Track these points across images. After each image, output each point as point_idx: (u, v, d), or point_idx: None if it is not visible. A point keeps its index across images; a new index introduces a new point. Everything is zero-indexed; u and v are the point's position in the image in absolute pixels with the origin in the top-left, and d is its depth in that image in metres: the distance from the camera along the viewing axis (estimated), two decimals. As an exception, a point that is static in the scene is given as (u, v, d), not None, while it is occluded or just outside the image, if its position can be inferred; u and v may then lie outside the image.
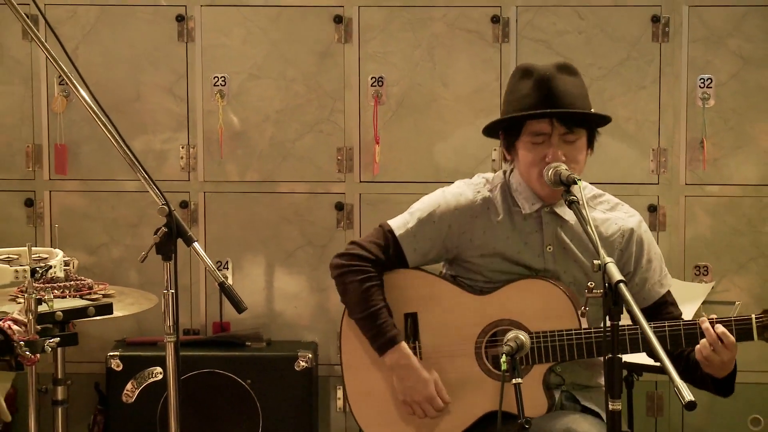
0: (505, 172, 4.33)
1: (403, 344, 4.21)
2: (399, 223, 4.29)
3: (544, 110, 4.09)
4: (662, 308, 4.25)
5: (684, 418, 5.41)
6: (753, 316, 3.95)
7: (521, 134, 4.17)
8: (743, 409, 5.41)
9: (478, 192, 4.30)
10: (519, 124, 4.17)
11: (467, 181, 4.33)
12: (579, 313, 4.17)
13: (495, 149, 4.61)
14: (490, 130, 4.31)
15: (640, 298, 4.13)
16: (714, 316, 3.99)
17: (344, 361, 4.44)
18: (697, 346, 3.94)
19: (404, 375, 4.25)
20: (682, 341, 3.99)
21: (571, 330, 4.13)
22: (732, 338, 3.90)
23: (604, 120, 4.20)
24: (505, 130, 4.23)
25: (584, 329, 4.12)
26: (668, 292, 4.31)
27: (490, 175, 4.33)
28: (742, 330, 3.96)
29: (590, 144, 4.18)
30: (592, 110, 4.18)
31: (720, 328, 3.91)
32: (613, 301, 3.53)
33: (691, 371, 4.08)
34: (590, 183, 4.35)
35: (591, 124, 4.20)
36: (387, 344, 4.23)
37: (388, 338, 4.23)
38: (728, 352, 3.91)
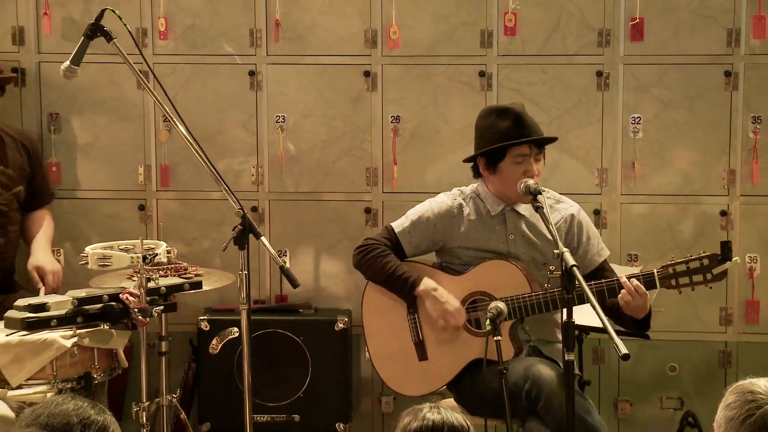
0: (473, 186, 4.45)
1: (427, 278, 4.31)
2: (398, 224, 4.49)
3: (531, 138, 4.28)
4: (600, 273, 4.42)
5: (620, 366, 5.38)
6: (654, 270, 4.13)
7: (506, 157, 4.30)
8: (663, 359, 5.38)
9: (455, 200, 4.47)
10: (503, 150, 4.30)
11: (447, 193, 4.56)
12: (535, 283, 4.23)
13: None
14: (470, 159, 4.46)
15: (583, 265, 4.24)
16: (632, 273, 4.18)
17: (366, 332, 4.54)
18: (619, 295, 4.10)
19: (437, 296, 4.34)
20: (605, 294, 4.14)
21: (526, 294, 4.22)
22: (642, 288, 4.08)
23: (554, 140, 4.41)
24: (488, 156, 4.35)
25: (535, 293, 4.21)
26: (605, 260, 4.45)
27: (463, 187, 4.50)
28: (648, 281, 4.13)
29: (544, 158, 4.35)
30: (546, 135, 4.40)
31: (634, 281, 4.09)
32: (568, 280, 3.57)
33: (619, 317, 4.24)
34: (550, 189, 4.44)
35: (549, 143, 4.40)
36: (414, 283, 4.37)
37: (413, 280, 4.37)
38: (640, 297, 4.07)
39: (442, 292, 4.31)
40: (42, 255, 5.01)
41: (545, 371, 4.09)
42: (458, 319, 4.30)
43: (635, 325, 4.22)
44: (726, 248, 4.07)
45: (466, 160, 4.48)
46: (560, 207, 4.43)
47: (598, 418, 4.09)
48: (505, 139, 4.30)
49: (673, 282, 4.11)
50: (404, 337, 4.43)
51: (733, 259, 4.08)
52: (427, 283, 4.33)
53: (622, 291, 4.08)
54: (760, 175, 5.27)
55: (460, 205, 4.43)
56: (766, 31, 5.20)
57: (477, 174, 4.46)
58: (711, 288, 4.17)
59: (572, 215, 4.41)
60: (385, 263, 4.38)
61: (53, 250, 5.24)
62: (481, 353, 4.06)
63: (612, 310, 4.21)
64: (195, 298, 5.08)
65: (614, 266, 4.83)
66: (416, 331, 4.41)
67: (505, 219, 4.39)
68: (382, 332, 4.48)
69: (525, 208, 4.37)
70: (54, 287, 4.92)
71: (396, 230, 4.45)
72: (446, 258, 4.46)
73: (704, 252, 4.12)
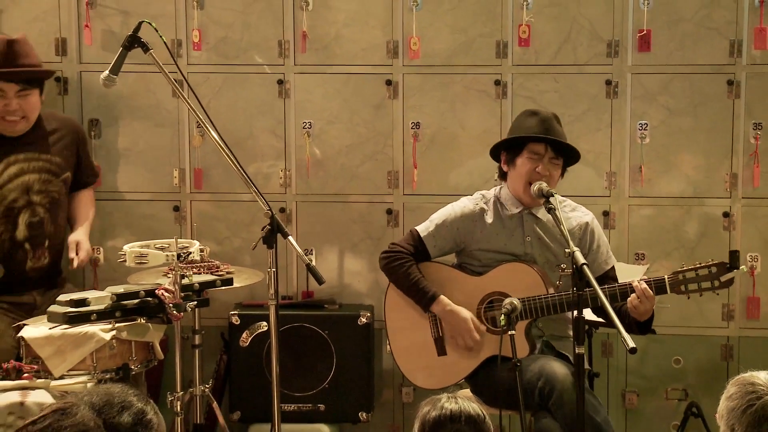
0: (497, 188, 4.46)
1: (442, 297, 4.37)
2: (423, 228, 4.49)
3: (546, 136, 4.25)
4: (605, 280, 4.41)
5: (627, 359, 5.36)
6: (665, 276, 4.17)
7: (523, 151, 4.33)
8: (668, 352, 5.37)
9: (476, 204, 4.47)
10: (522, 144, 4.31)
11: (469, 197, 4.53)
12: (550, 285, 4.24)
13: (495, 178, 4.62)
14: (497, 149, 4.46)
15: (590, 271, 4.21)
16: (644, 278, 4.19)
17: (388, 327, 4.55)
18: (629, 299, 4.12)
19: (449, 318, 4.37)
20: (618, 297, 4.15)
21: (541, 295, 4.21)
22: (651, 292, 4.09)
23: (575, 158, 4.37)
24: (508, 150, 4.37)
25: (550, 294, 4.22)
26: (612, 268, 4.46)
27: (484, 191, 4.50)
28: (659, 286, 4.15)
29: (563, 172, 4.34)
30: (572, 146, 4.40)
31: (643, 284, 4.10)
32: (578, 277, 3.57)
33: (622, 318, 4.21)
34: (564, 195, 4.43)
35: (567, 159, 4.36)
36: (430, 300, 4.36)
37: (429, 296, 4.36)
38: (648, 302, 4.09)
39: (455, 313, 4.34)
40: (82, 233, 5.01)
41: (559, 369, 4.11)
42: (474, 336, 4.32)
43: (638, 328, 4.23)
44: (734, 257, 4.07)
45: (492, 153, 4.51)
46: (575, 215, 4.45)
47: (604, 417, 4.12)
48: (525, 133, 4.34)
49: (683, 288, 4.12)
50: (424, 333, 4.44)
51: (741, 268, 4.09)
52: (442, 303, 4.35)
53: (632, 295, 4.09)
54: (760, 179, 5.25)
55: (482, 210, 4.45)
56: (767, 42, 5.18)
57: (501, 174, 4.49)
58: (718, 294, 4.19)
59: (587, 223, 4.43)
60: (407, 273, 4.41)
61: (93, 249, 5.27)
62: (497, 350, 4.07)
63: (616, 312, 4.21)
64: (226, 294, 5.09)
65: (622, 265, 4.83)
66: (436, 327, 4.43)
67: (523, 222, 4.40)
68: (404, 328, 4.49)
69: (542, 213, 4.38)
70: (82, 261, 4.92)
71: (421, 234, 4.48)
72: (466, 259, 4.48)
73: (713, 260, 4.13)
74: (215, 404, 4.72)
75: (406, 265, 4.41)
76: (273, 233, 4.02)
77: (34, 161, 4.90)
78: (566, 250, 3.65)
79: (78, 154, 5.09)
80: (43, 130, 4.97)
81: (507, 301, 3.92)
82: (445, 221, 4.47)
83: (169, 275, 4.37)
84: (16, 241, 4.85)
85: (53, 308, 4.23)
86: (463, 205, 4.50)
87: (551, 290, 4.23)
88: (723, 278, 4.11)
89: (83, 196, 5.17)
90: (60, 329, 4.14)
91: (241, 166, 4.09)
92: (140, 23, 4.21)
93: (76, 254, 4.87)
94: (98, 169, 5.37)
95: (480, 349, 4.35)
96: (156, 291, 4.24)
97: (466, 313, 4.33)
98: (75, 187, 5.12)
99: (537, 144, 4.33)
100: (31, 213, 4.87)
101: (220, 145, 4.09)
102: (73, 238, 4.96)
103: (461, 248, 4.48)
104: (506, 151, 4.44)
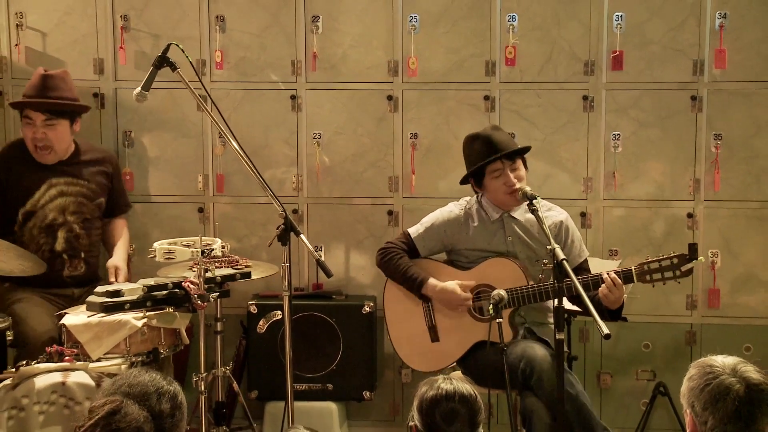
0: (477, 195, 4.46)
1: (431, 279, 4.38)
2: (414, 230, 4.51)
3: (495, 155, 4.27)
4: (580, 271, 4.39)
5: (602, 344, 5.37)
6: (632, 267, 4.14)
7: (485, 175, 4.33)
8: (638, 338, 5.37)
9: (462, 209, 4.47)
10: (482, 170, 4.32)
11: (455, 203, 4.55)
12: (531, 278, 4.24)
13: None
14: (464, 181, 4.49)
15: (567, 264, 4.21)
16: (614, 269, 4.17)
17: (387, 319, 4.55)
18: (600, 288, 4.12)
19: (440, 296, 4.38)
20: (590, 287, 4.13)
21: (524, 287, 4.22)
22: (620, 281, 4.09)
23: (527, 149, 4.39)
24: (474, 178, 4.39)
25: (532, 285, 4.23)
26: (585, 260, 4.46)
27: (468, 198, 4.51)
28: (626, 276, 4.14)
29: (525, 165, 4.35)
30: (519, 146, 4.41)
31: (612, 274, 4.09)
32: (558, 271, 3.57)
33: (596, 306, 4.23)
34: (546, 198, 4.43)
35: (522, 154, 4.36)
36: (420, 285, 4.37)
37: (419, 281, 4.37)
38: (618, 290, 4.08)
39: (443, 289, 4.34)
40: (120, 259, 5.02)
41: (539, 352, 4.12)
42: (463, 297, 4.31)
43: (609, 315, 4.24)
44: (693, 249, 4.08)
45: (462, 182, 4.52)
46: (551, 214, 4.45)
47: (580, 389, 4.12)
48: (478, 160, 4.35)
49: (648, 277, 4.12)
50: (419, 322, 4.45)
51: (699, 259, 4.09)
52: (431, 285, 4.36)
53: (602, 285, 4.10)
54: (720, 184, 5.26)
55: (467, 214, 4.45)
56: (726, 62, 5.19)
57: (476, 190, 4.50)
58: (680, 283, 4.19)
59: (561, 221, 4.44)
60: (398, 264, 4.42)
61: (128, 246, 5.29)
62: (484, 336, 4.08)
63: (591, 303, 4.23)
64: (245, 285, 5.10)
65: (597, 260, 4.83)
66: (429, 316, 4.43)
67: (504, 224, 4.40)
68: (401, 318, 4.50)
69: (519, 214, 4.39)
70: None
71: (412, 236, 4.49)
72: (455, 257, 4.48)
73: (674, 252, 4.14)
74: (235, 384, 4.73)
75: (396, 258, 4.43)
76: (287, 232, 4.03)
77: (73, 185, 4.93)
78: (548, 247, 3.66)
79: (112, 183, 5.13)
80: (82, 158, 5.01)
81: (495, 292, 3.94)
82: (434, 225, 4.48)
83: (194, 269, 4.38)
84: (55, 252, 4.89)
85: (91, 298, 4.25)
86: (450, 210, 4.51)
87: (531, 282, 4.25)
88: (683, 268, 4.12)
89: (117, 224, 5.19)
90: (97, 317, 4.15)
91: (258, 172, 4.10)
92: (169, 45, 4.22)
93: (116, 279, 4.90)
94: (129, 199, 5.36)
95: (469, 335, 4.35)
96: (182, 283, 4.26)
97: (452, 284, 4.33)
98: (109, 214, 5.15)
99: (493, 164, 4.34)
100: (68, 229, 4.90)
101: (239, 153, 4.10)
102: (112, 263, 4.97)
103: (449, 248, 4.49)
104: (473, 178, 4.46)
